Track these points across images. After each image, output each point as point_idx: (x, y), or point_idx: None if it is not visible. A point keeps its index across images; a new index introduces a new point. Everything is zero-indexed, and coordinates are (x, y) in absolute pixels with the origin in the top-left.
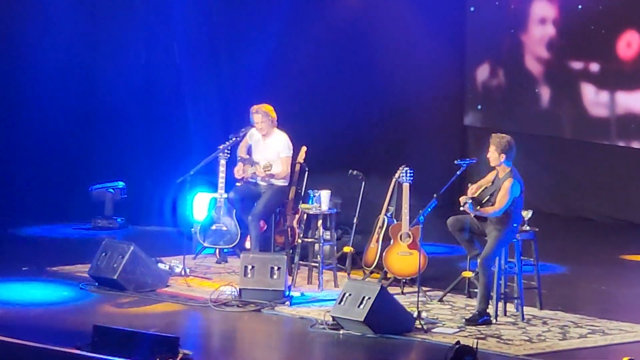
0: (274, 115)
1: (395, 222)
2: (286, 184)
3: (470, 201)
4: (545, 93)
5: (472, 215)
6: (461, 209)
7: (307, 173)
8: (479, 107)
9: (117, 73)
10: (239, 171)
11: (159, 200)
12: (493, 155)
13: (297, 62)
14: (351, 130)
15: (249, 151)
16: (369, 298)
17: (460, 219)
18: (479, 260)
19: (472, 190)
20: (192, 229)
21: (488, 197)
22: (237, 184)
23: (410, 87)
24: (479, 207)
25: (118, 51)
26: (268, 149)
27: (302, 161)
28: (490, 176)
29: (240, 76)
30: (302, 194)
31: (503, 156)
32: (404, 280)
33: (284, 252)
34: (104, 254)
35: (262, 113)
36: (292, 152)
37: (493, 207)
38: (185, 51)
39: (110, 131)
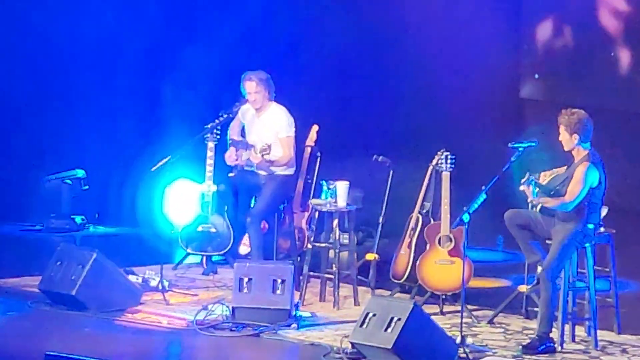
0: (271, 84)
1: (432, 221)
2: (291, 172)
3: (533, 179)
4: (624, 57)
5: (535, 202)
6: (520, 188)
7: (319, 159)
8: (536, 76)
9: (74, 39)
10: (230, 157)
11: (129, 194)
12: (564, 136)
13: (302, 19)
14: (375, 106)
15: (243, 132)
16: (399, 319)
17: (523, 213)
18: (539, 270)
19: (540, 177)
20: (172, 231)
21: (557, 187)
22: (230, 173)
23: (449, 51)
24: (543, 197)
25: (76, 12)
26: (264, 127)
27: (312, 144)
28: (565, 167)
29: (233, 38)
30: (313, 186)
31: (576, 137)
32: (443, 297)
33: (289, 261)
34: (59, 263)
35: (255, 80)
36: (294, 130)
37: (562, 197)
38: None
39: (66, 109)
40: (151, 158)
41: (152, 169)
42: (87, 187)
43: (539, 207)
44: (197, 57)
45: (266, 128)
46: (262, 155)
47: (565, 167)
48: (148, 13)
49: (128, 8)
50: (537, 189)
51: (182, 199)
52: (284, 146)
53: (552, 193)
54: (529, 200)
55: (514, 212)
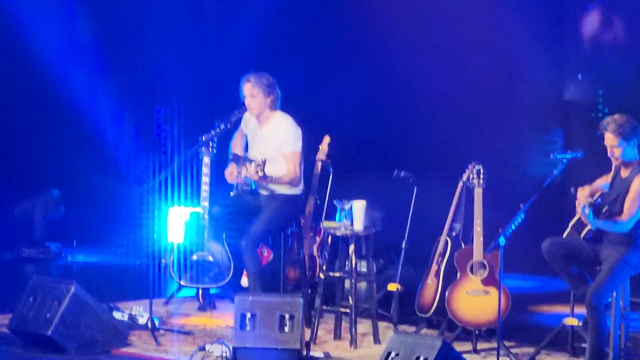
0: (275, 91)
1: (463, 246)
2: (297, 192)
3: (591, 207)
4: None
5: (588, 229)
6: (575, 220)
7: (331, 175)
8: (579, 76)
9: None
10: (231, 174)
11: (112, 218)
12: (611, 142)
13: (311, 19)
14: (395, 112)
15: (247, 146)
16: (426, 359)
17: (564, 242)
18: (587, 297)
19: (585, 193)
20: (163, 260)
21: (607, 205)
22: (231, 192)
23: (478, 51)
24: (601, 221)
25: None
26: (265, 140)
27: (324, 158)
28: (604, 179)
29: (237, 41)
30: (325, 206)
31: (625, 143)
32: (477, 332)
33: (299, 293)
34: (31, 298)
35: (254, 81)
36: (300, 145)
37: (621, 216)
38: None
39: (40, 122)
40: (141, 175)
41: (140, 189)
42: (62, 210)
43: (584, 231)
44: (196, 64)
45: (268, 141)
46: (257, 172)
47: (604, 177)
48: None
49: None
50: (592, 213)
51: (175, 223)
52: (288, 162)
53: (604, 212)
54: (588, 228)
55: (553, 242)
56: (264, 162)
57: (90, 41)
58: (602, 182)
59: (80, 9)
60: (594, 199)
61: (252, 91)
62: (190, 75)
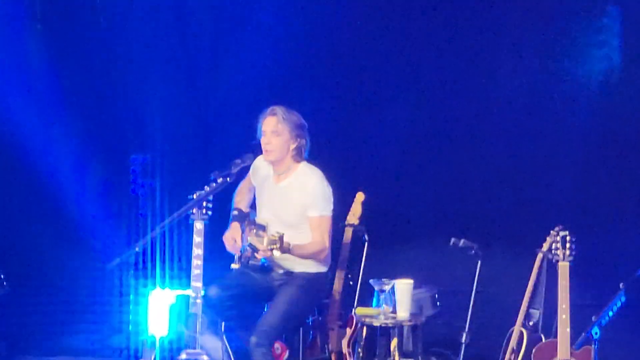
0: (305, 135)
1: (543, 339)
2: (325, 269)
3: None
4: None
5: None
6: None
7: (367, 245)
8: None
9: None
10: (233, 241)
11: (72, 305)
12: None
13: (331, 42)
14: (450, 162)
15: (254, 201)
16: None
17: None
18: None
19: None
20: None
21: None
22: (233, 265)
23: (559, 82)
24: None
25: None
26: (285, 199)
27: (356, 222)
28: None
29: (233, 65)
30: (359, 287)
31: None
32: None
33: None
34: None
35: (281, 115)
36: (332, 207)
37: None
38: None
39: None
40: (111, 246)
41: (108, 266)
42: (7, 289)
43: None
44: (185, 101)
45: (289, 201)
46: (271, 250)
47: None
48: None
49: None
50: None
51: (157, 310)
52: (314, 229)
53: None
54: None
55: None
56: (281, 238)
57: (45, 69)
58: None
59: (32, 27)
60: None
61: (277, 127)
62: (177, 114)
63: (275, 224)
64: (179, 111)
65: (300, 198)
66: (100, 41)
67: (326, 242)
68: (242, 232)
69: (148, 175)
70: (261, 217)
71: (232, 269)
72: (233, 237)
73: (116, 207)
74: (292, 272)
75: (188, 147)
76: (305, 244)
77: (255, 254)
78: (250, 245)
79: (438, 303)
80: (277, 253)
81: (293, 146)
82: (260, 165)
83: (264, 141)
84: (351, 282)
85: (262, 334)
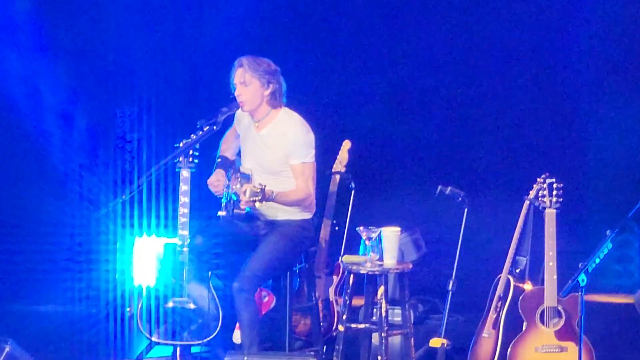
0: (279, 82)
1: (530, 286)
2: (309, 216)
3: None
4: None
5: None
6: None
7: (353, 193)
8: None
9: None
10: (217, 185)
11: (59, 253)
12: None
13: None
14: (437, 109)
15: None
16: None
17: None
18: None
19: None
20: (128, 309)
21: None
22: (219, 213)
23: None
24: None
25: None
26: (266, 147)
27: (343, 169)
28: None
29: (218, 15)
30: (345, 234)
31: None
32: None
33: (311, 352)
34: None
35: (247, 65)
36: (313, 152)
37: None
38: None
39: None
40: (98, 194)
41: (97, 214)
42: None
43: None
44: (171, 52)
45: (270, 149)
46: (253, 202)
47: None
48: None
49: None
50: None
51: (144, 259)
52: (297, 177)
53: None
54: None
55: None
56: (263, 190)
57: (31, 21)
58: None
59: None
60: None
61: (244, 78)
62: (163, 66)
63: (258, 172)
64: (166, 62)
65: (280, 146)
66: None
67: (310, 189)
68: (228, 180)
69: (135, 128)
70: (245, 166)
71: (218, 217)
72: (214, 180)
73: (103, 157)
74: (275, 221)
75: (175, 98)
76: (289, 191)
77: (240, 204)
78: (235, 194)
79: (424, 245)
80: (258, 205)
81: (266, 92)
82: (243, 115)
83: (236, 93)
84: (337, 228)
85: (245, 280)
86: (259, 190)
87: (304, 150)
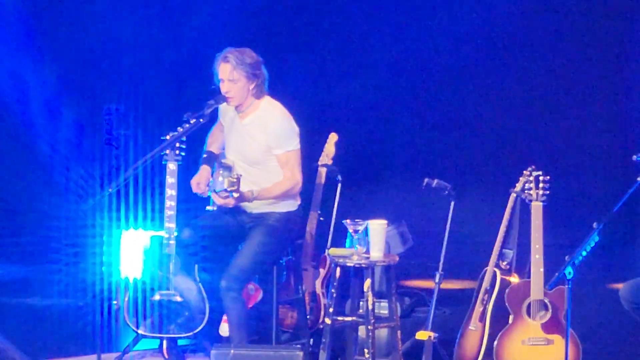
0: (262, 73)
1: (516, 278)
2: (294, 207)
3: None
4: None
5: None
6: None
7: (340, 186)
8: None
9: None
10: (199, 183)
11: (44, 245)
12: None
13: None
14: (424, 103)
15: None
16: None
17: None
18: None
19: None
20: (115, 302)
21: None
22: (209, 206)
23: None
24: None
25: None
26: (248, 135)
27: (330, 162)
28: None
29: (206, 9)
30: (332, 227)
31: None
32: None
33: (297, 345)
34: None
35: (235, 61)
36: (297, 140)
37: None
38: None
39: None
40: (85, 187)
41: (84, 207)
42: None
43: None
44: (158, 46)
45: (252, 138)
46: (230, 193)
47: None
48: None
49: None
50: None
51: (130, 252)
52: (283, 166)
53: None
54: None
55: (634, 286)
56: (239, 179)
57: (20, 17)
58: None
59: None
60: None
61: (231, 74)
62: (150, 60)
63: (240, 163)
64: (152, 56)
65: (263, 137)
66: None
67: (297, 176)
68: (212, 175)
69: (122, 124)
70: (228, 157)
71: (206, 211)
72: (197, 181)
73: (90, 149)
74: (261, 214)
75: (162, 91)
76: (272, 186)
77: (218, 195)
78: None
79: (410, 238)
80: (236, 195)
81: (252, 86)
82: (227, 107)
83: (223, 89)
84: (321, 218)
85: (232, 278)
86: (235, 179)
87: (286, 140)
